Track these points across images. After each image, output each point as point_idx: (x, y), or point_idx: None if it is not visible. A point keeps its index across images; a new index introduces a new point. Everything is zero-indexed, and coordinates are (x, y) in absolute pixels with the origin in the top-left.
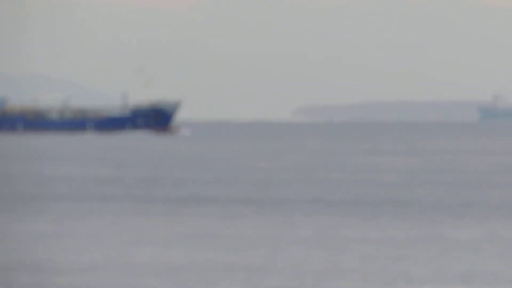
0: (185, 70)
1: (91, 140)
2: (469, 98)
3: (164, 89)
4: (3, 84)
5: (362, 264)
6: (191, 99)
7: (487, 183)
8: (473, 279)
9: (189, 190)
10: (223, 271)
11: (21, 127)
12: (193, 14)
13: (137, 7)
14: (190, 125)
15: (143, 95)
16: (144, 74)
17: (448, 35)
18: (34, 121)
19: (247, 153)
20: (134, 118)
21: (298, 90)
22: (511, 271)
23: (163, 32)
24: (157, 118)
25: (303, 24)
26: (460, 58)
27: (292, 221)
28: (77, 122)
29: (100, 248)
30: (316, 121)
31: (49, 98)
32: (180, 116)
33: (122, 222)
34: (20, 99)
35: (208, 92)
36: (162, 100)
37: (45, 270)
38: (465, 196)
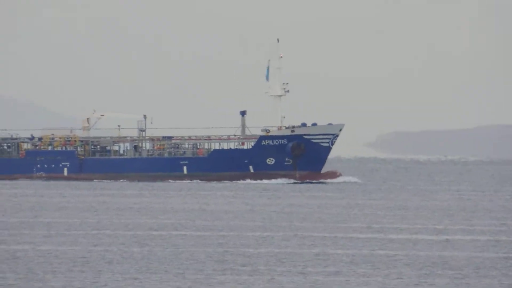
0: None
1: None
2: None
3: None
4: None
5: None
6: None
7: None
8: None
9: None
10: None
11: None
12: None
13: None
14: None
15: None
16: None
17: None
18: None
19: None
20: (261, 152)
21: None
22: None
23: None
24: (304, 155)
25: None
26: None
27: None
28: (164, 160)
29: None
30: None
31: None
32: None
33: None
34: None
35: None
36: (304, 123)
37: None
38: None
